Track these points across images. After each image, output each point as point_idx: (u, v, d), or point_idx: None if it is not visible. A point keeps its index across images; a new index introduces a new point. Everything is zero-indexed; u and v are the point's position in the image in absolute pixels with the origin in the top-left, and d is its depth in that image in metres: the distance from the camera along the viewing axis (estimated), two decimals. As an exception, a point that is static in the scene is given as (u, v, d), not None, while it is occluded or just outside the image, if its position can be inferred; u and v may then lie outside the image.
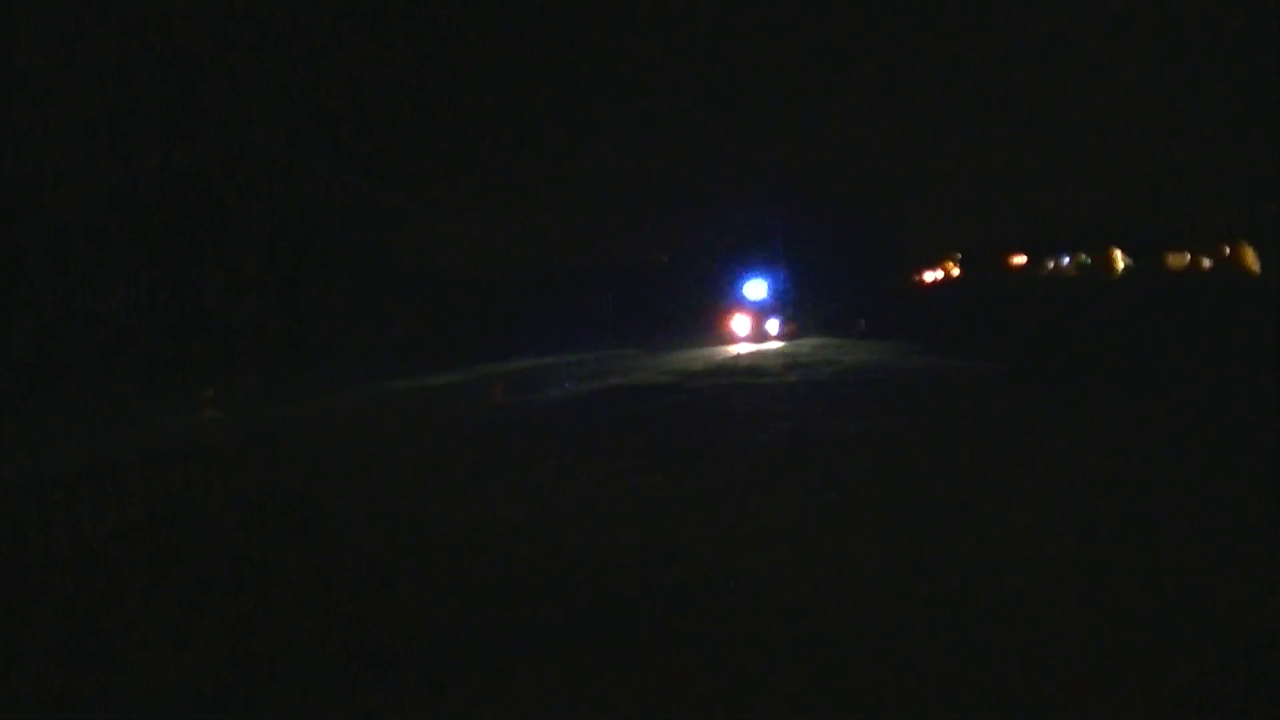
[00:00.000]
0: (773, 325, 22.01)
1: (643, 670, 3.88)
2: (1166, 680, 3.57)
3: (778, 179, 28.68)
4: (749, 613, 4.48)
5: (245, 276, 17.73)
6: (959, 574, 4.81)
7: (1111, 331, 17.70)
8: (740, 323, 21.86)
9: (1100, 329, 18.51)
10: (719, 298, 22.69)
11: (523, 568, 5.32)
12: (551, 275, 25.16)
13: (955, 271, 38.99)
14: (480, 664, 4.06)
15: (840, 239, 29.87)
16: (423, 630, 4.49)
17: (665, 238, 28.07)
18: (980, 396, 10.78)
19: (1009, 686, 3.58)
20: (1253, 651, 3.80)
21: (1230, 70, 22.04)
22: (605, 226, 25.74)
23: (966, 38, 27.78)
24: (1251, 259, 27.04)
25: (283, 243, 18.48)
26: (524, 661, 4.04)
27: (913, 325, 22.09)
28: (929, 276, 38.79)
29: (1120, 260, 33.06)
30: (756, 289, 22.90)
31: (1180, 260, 31.58)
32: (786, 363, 15.82)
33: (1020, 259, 37.77)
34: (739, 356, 17.88)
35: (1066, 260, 36.50)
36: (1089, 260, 34.75)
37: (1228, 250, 29.16)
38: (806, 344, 19.22)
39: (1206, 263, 30.40)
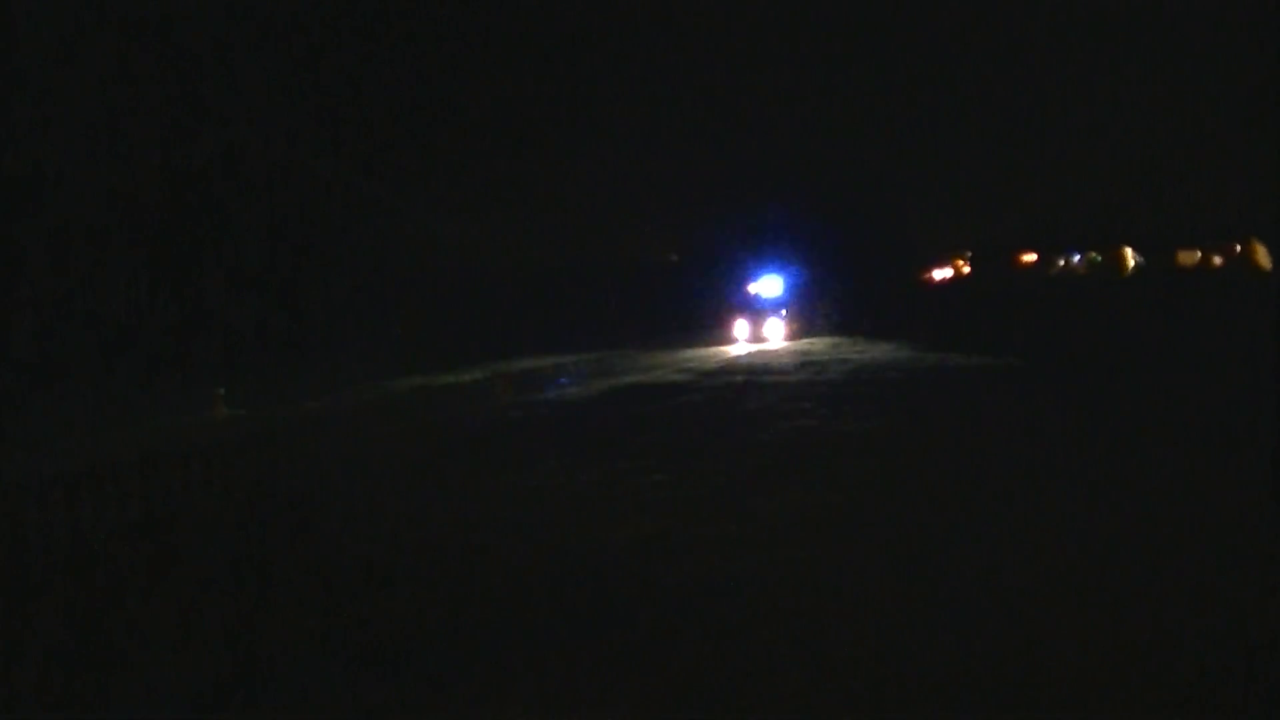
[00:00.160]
0: (781, 324, 21.92)
1: (643, 670, 3.88)
2: (1166, 680, 3.56)
3: (785, 177, 28.68)
4: (750, 613, 4.48)
5: (245, 276, 17.74)
6: (959, 575, 4.81)
7: (1123, 329, 17.68)
8: (748, 322, 21.76)
9: (1112, 327, 18.50)
10: (727, 297, 22.58)
11: (523, 568, 5.31)
12: (557, 274, 25.10)
13: (965, 269, 38.87)
14: (480, 664, 4.06)
15: (849, 237, 29.82)
16: (424, 630, 4.49)
17: (674, 236, 28.02)
18: (989, 395, 10.77)
19: (1008, 686, 3.58)
20: (1253, 651, 3.80)
21: (1239, 68, 22.00)
22: (611, 226, 25.72)
23: (976, 36, 27.76)
24: (1263, 256, 26.99)
25: (283, 243, 18.48)
26: (524, 661, 4.04)
27: (922, 323, 22.06)
28: (938, 274, 38.64)
29: (1131, 258, 32.99)
30: (766, 287, 22.80)
31: (1191, 257, 31.51)
32: (797, 361, 15.79)
33: (1030, 257, 37.66)
34: (748, 355, 17.86)
35: (1077, 258, 36.41)
36: (1099, 258, 34.68)
37: (1239, 247, 29.09)
38: (819, 343, 19.19)
39: (1218, 260, 30.33)
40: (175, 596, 5.26)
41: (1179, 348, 13.94)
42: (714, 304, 22.64)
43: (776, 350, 18.58)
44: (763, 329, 21.44)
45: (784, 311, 22.35)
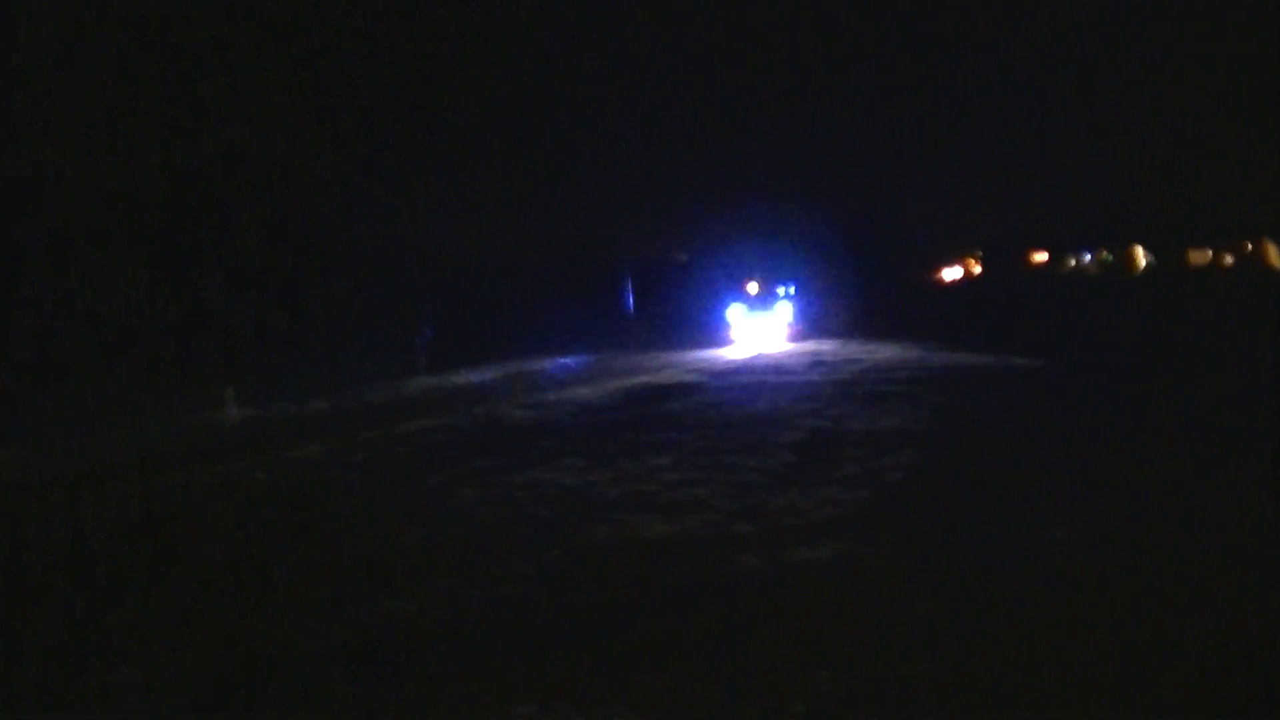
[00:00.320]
0: (791, 325, 21.87)
1: (647, 670, 3.88)
2: (1166, 680, 3.56)
3: (794, 178, 28.64)
4: (752, 613, 4.48)
5: (246, 276, 17.74)
6: (962, 575, 4.81)
7: (1134, 329, 17.68)
8: (757, 322, 21.70)
9: (1122, 326, 18.50)
10: (736, 297, 22.50)
11: (538, 568, 5.31)
12: (559, 274, 25.00)
13: (976, 269, 38.78)
14: (482, 664, 4.06)
15: (860, 237, 29.79)
16: (424, 631, 4.49)
17: (681, 236, 27.90)
18: (1000, 396, 10.77)
19: (1008, 685, 3.58)
20: (1253, 651, 3.80)
21: (1250, 67, 21.95)
22: (616, 226, 25.65)
23: (986, 34, 27.70)
24: (1274, 255, 26.98)
25: (282, 243, 18.47)
26: (532, 660, 4.04)
27: (933, 324, 22.04)
28: (949, 274, 38.50)
29: (1142, 257, 32.99)
30: (775, 288, 22.74)
31: (1202, 256, 31.49)
32: (808, 362, 15.78)
33: (1042, 256, 37.62)
34: (758, 356, 17.85)
35: (1088, 257, 36.39)
36: (1111, 257, 34.67)
37: (1250, 246, 29.07)
38: (829, 343, 19.17)
39: (1229, 259, 30.31)
40: (186, 594, 5.26)
41: (1190, 347, 13.94)
42: (723, 304, 22.55)
43: (786, 351, 18.56)
44: (772, 329, 21.39)
45: (794, 312, 22.31)
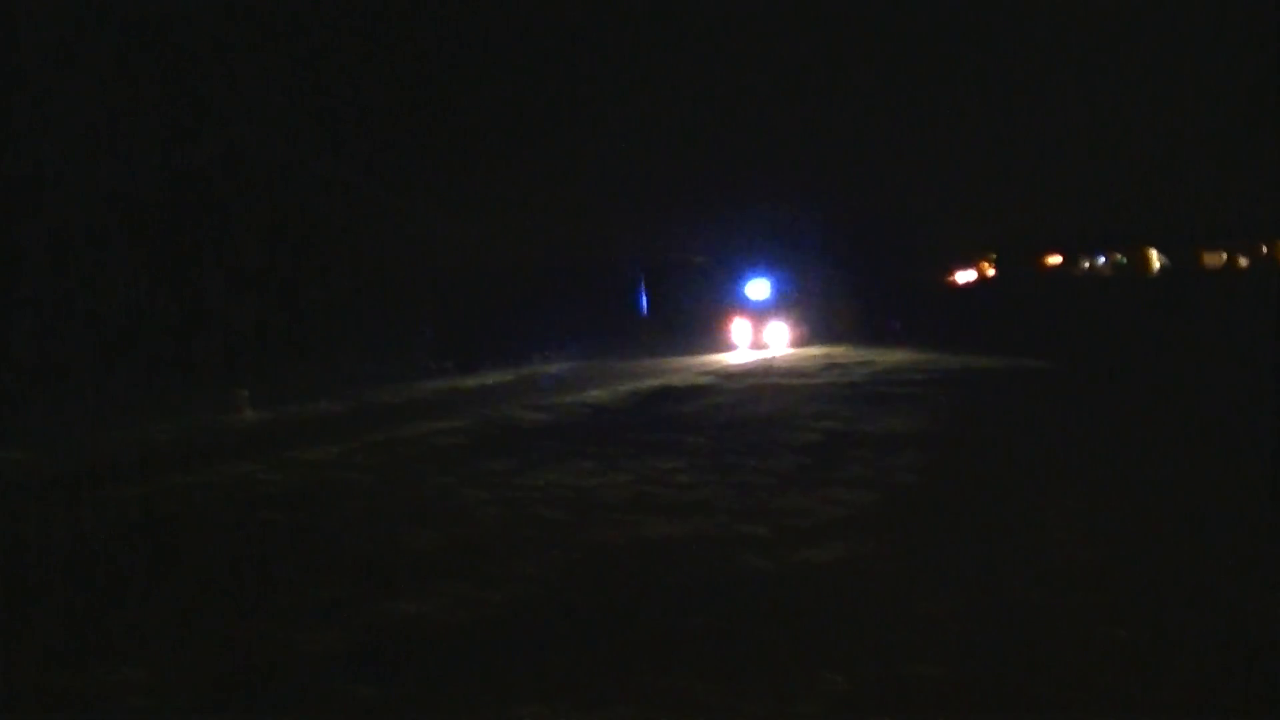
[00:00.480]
0: (805, 327, 21.83)
1: (654, 670, 3.89)
2: (1166, 680, 3.57)
3: (808, 179, 28.59)
4: (755, 612, 4.48)
5: (248, 276, 17.74)
6: (965, 575, 4.82)
7: (1149, 332, 17.65)
8: (770, 325, 21.64)
9: (1137, 329, 18.47)
10: (749, 299, 22.41)
11: (557, 569, 5.32)
12: (569, 276, 24.87)
13: (990, 271, 38.66)
14: (484, 665, 4.07)
15: (874, 240, 29.71)
16: (423, 631, 4.49)
17: (699, 237, 27.78)
18: (1012, 399, 10.78)
19: (1009, 686, 3.59)
20: (1253, 651, 3.80)
21: (1266, 68, 21.90)
22: (628, 226, 25.58)
23: (1001, 36, 27.66)
24: None
25: (283, 243, 18.47)
26: (535, 661, 4.04)
27: (946, 326, 22.00)
28: (962, 277, 38.32)
29: (1156, 259, 32.97)
30: (789, 290, 22.69)
31: (1217, 259, 31.46)
32: (821, 364, 15.78)
33: (1056, 258, 37.55)
34: (770, 358, 17.86)
35: (1102, 259, 36.36)
36: (1125, 260, 34.66)
37: (1265, 249, 29.04)
38: (842, 346, 19.17)
39: (1244, 261, 30.27)
40: (189, 595, 5.27)
41: (1201, 349, 13.93)
42: (735, 306, 22.44)
43: (800, 353, 18.56)
44: (785, 332, 21.35)
45: (808, 314, 22.27)
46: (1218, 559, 4.83)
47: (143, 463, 9.63)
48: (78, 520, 7.21)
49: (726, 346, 20.68)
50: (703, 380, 14.38)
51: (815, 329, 21.89)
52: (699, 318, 23.48)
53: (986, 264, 38.92)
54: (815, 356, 17.55)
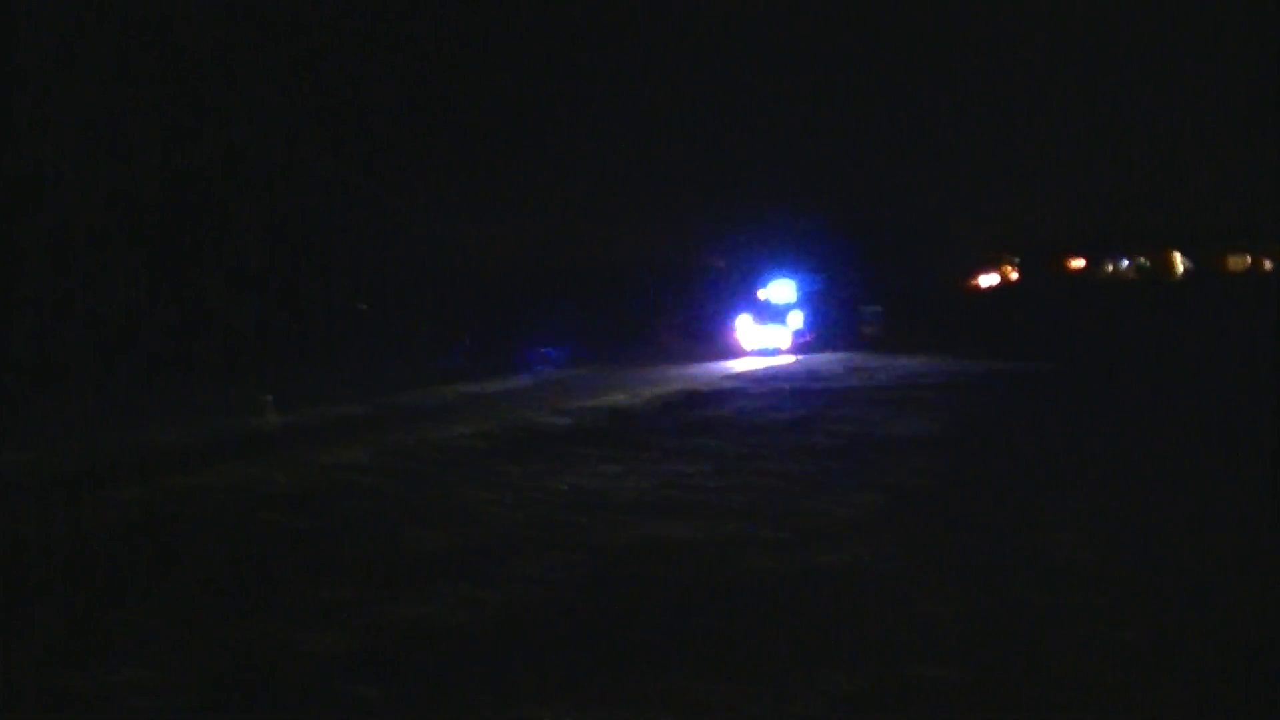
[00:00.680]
0: (829, 332, 21.81)
1: (664, 671, 3.89)
2: (1166, 680, 3.57)
3: (832, 184, 28.55)
4: (757, 612, 4.48)
5: (246, 276, 17.72)
6: (969, 575, 4.82)
7: (1173, 336, 17.59)
8: (795, 329, 21.59)
9: (1161, 333, 18.39)
10: (773, 304, 22.35)
11: (577, 569, 5.33)
12: (588, 278, 24.73)
13: (1013, 275, 38.57)
14: (483, 664, 4.07)
15: (896, 244, 29.66)
16: (429, 632, 4.48)
17: (719, 242, 27.67)
18: (1034, 403, 10.82)
19: (1010, 685, 3.59)
20: (1253, 652, 3.80)
21: None
22: (649, 230, 25.50)
23: (1023, 42, 27.62)
24: None
25: (283, 243, 18.46)
26: (537, 661, 4.04)
27: (969, 331, 21.94)
28: (985, 281, 38.17)
29: (1180, 262, 32.91)
30: (813, 295, 22.68)
31: (1241, 262, 31.38)
32: (845, 368, 15.81)
33: (1079, 262, 37.47)
34: (795, 362, 17.86)
35: (1125, 263, 36.30)
36: (1148, 263, 34.61)
37: None
38: (865, 350, 19.20)
39: (1268, 264, 30.18)
40: (189, 596, 5.26)
41: (1225, 354, 13.91)
42: (760, 311, 22.35)
43: (824, 357, 18.57)
44: (810, 336, 21.36)
45: (832, 319, 22.30)
46: (1218, 559, 4.84)
47: (179, 465, 9.51)
48: (117, 521, 7.15)
49: (750, 350, 20.63)
50: (727, 385, 14.38)
51: (837, 333, 21.90)
52: (722, 322, 23.38)
53: (1009, 268, 38.85)
54: (838, 360, 17.56)
